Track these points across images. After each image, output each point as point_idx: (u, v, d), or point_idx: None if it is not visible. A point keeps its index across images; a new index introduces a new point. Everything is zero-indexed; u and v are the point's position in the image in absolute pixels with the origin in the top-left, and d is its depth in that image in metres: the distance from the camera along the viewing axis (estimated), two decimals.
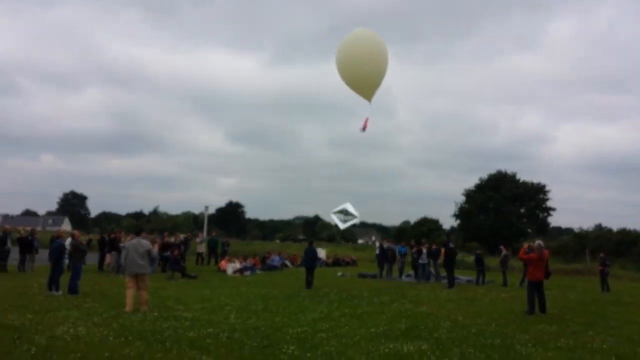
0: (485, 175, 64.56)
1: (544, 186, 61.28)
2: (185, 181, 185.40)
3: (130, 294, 12.10)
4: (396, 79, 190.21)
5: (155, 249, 13.99)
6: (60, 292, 14.40)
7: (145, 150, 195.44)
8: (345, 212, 22.51)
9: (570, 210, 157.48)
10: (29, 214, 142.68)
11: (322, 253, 19.93)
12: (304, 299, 15.62)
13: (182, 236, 27.28)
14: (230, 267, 24.09)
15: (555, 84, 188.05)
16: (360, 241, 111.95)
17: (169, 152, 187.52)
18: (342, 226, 22.69)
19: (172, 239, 25.37)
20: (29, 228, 27.07)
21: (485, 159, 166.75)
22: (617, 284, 25.97)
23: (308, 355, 8.15)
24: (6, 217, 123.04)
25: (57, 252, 15.07)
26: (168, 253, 22.19)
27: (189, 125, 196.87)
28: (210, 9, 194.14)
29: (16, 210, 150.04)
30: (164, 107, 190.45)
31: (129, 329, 9.76)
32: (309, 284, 19.05)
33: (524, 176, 63.59)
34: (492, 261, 31.16)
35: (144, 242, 12.53)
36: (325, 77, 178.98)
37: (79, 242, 15.59)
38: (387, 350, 8.70)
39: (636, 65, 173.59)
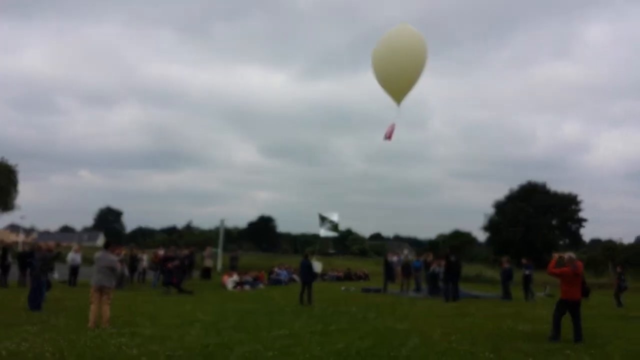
0: (515, 186, 63.06)
1: (575, 196, 59.46)
2: (219, 196, 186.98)
3: (93, 308, 11.94)
4: (430, 88, 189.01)
5: (118, 265, 13.75)
6: (42, 310, 14.17)
7: (180, 166, 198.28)
8: (330, 222, 21.99)
9: (613, 222, 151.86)
10: (66, 230, 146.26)
11: (318, 267, 19.52)
12: (285, 314, 15.24)
13: (185, 250, 27.19)
14: (230, 281, 23.85)
15: (594, 91, 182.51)
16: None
17: (204, 167, 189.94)
18: (321, 233, 22.16)
19: (177, 252, 25.35)
20: (52, 243, 27.34)
21: (524, 169, 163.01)
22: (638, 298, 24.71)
23: None
24: (44, 233, 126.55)
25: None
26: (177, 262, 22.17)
27: (223, 140, 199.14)
28: (240, 26, 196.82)
29: (55, 226, 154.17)
30: (199, 123, 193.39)
31: (75, 344, 9.59)
32: (303, 299, 18.23)
33: (559, 186, 61.92)
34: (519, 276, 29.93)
35: (110, 257, 12.39)
36: (356, 90, 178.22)
37: (45, 254, 15.23)
38: None
39: None
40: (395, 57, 16.62)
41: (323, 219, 21.80)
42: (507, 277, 23.51)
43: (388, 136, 16.34)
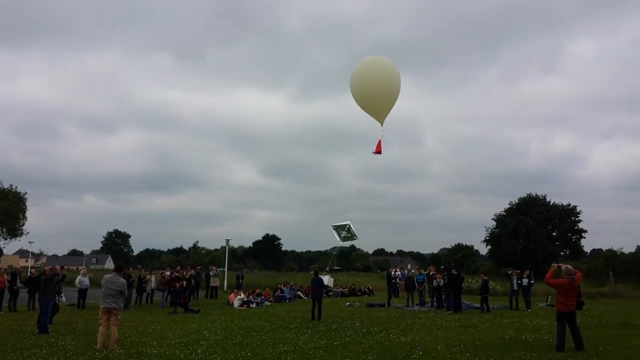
0: (515, 199, 63.22)
1: (574, 208, 59.57)
2: (223, 216, 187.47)
3: (101, 330, 12.11)
4: (422, 107, 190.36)
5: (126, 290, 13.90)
6: (50, 333, 14.35)
7: (184, 188, 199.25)
8: (347, 230, 22.27)
9: (611, 232, 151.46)
10: (75, 253, 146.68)
11: (330, 281, 19.80)
12: (290, 330, 15.38)
13: (192, 271, 27.38)
14: (237, 299, 24.01)
15: (583, 104, 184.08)
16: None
17: (207, 189, 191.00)
18: (339, 242, 22.50)
19: (184, 273, 25.56)
20: (57, 266, 27.58)
21: (518, 183, 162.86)
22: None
23: None
24: (52, 257, 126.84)
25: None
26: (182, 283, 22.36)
27: (224, 162, 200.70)
28: (235, 49, 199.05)
29: (63, 250, 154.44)
30: (197, 146, 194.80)
31: None
32: (315, 315, 18.62)
33: (557, 198, 62.09)
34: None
35: (119, 280, 12.57)
36: (351, 109, 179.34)
37: (50, 277, 15.43)
38: None
39: None
40: (372, 83, 18.34)
41: (338, 230, 22.07)
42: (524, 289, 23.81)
43: (377, 150, 18.25)
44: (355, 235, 22.98)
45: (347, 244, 22.56)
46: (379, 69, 19.45)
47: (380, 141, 19.08)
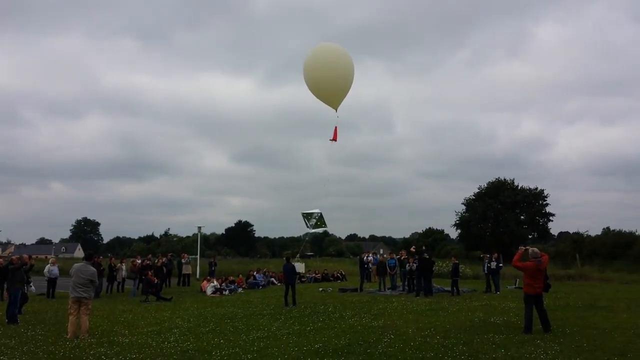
0: (484, 184, 64.13)
1: (542, 191, 60.71)
2: (194, 203, 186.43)
3: (72, 320, 11.99)
4: (391, 92, 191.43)
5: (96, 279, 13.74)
6: (19, 323, 14.14)
7: (153, 175, 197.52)
8: (317, 218, 22.41)
9: (578, 215, 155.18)
10: (43, 242, 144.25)
11: (301, 267, 19.99)
12: (263, 317, 15.44)
13: (164, 258, 27.17)
14: (210, 287, 23.95)
15: (549, 89, 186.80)
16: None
17: (177, 175, 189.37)
18: (310, 230, 22.61)
19: (155, 261, 25.36)
20: (25, 255, 27.08)
21: (487, 167, 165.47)
22: (607, 287, 25.46)
23: None
24: (20, 246, 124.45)
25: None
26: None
27: (193, 148, 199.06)
28: (202, 33, 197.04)
29: (32, 239, 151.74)
30: (166, 132, 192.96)
31: (54, 356, 9.67)
32: (288, 301, 18.77)
33: (525, 182, 63.11)
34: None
35: (89, 269, 12.42)
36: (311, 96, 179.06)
37: (18, 266, 15.15)
38: None
39: (630, 65, 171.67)
40: (324, 70, 18.70)
41: (308, 217, 22.17)
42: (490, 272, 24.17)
43: (333, 138, 19.25)
44: (325, 224, 23.17)
45: (318, 230, 22.72)
46: (331, 56, 19.62)
47: (336, 128, 19.54)
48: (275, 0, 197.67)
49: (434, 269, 23.85)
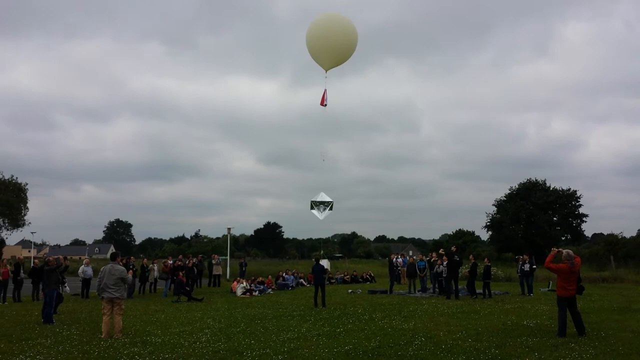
0: (515, 185, 63.18)
1: (575, 192, 59.54)
2: (224, 205, 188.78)
3: (105, 320, 12.20)
4: (417, 93, 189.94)
5: (129, 275, 13.97)
6: (54, 323, 14.40)
7: (182, 177, 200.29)
8: (322, 203, 22.47)
9: (611, 216, 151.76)
10: (77, 243, 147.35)
11: (327, 264, 20.14)
12: (293, 318, 15.48)
13: (194, 259, 27.46)
14: (240, 287, 24.12)
15: (578, 88, 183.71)
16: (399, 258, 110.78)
17: (205, 177, 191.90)
18: (320, 217, 22.68)
19: (186, 262, 25.65)
20: (60, 256, 27.71)
21: (517, 168, 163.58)
22: None
23: None
24: (55, 247, 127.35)
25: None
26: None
27: (221, 150, 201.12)
28: (225, 37, 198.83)
29: (66, 240, 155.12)
30: (194, 134, 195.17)
31: (88, 356, 9.84)
32: (317, 302, 18.80)
33: (555, 183, 62.04)
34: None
35: (118, 268, 12.58)
36: (344, 95, 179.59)
37: (53, 268, 15.47)
38: None
39: None
40: (326, 26, 19.41)
41: (316, 203, 22.28)
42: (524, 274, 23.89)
43: (322, 102, 19.46)
44: (332, 207, 23.48)
45: (327, 213, 22.94)
46: (338, 19, 19.92)
47: (325, 92, 19.64)
48: (296, 2, 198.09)
49: (459, 270, 23.59)
